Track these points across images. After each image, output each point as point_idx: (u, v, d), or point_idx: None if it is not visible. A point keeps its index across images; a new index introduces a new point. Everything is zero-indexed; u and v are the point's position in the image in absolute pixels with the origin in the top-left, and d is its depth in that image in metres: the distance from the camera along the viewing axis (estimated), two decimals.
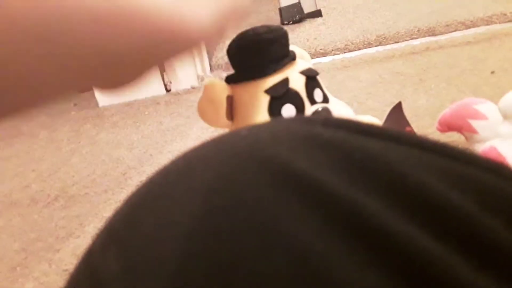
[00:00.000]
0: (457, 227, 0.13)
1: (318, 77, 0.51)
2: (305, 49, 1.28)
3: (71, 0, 0.13)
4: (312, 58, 1.26)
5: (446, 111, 0.67)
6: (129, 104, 1.19)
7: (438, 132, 0.74)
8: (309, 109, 0.48)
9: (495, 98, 0.87)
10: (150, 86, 1.22)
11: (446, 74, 1.01)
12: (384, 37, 1.25)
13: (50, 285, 0.64)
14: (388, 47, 1.22)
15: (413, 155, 0.15)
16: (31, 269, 0.67)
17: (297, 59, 0.50)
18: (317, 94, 0.49)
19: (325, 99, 0.50)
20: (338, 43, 1.26)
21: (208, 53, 1.35)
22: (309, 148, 0.14)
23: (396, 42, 1.24)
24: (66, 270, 0.66)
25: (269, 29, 0.46)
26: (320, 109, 0.46)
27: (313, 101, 0.49)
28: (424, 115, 0.86)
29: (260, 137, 0.15)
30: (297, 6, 1.46)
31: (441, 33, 1.23)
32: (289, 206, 0.13)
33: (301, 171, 0.13)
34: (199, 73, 1.28)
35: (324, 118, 0.17)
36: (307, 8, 1.48)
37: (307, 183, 0.13)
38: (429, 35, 1.23)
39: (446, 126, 0.67)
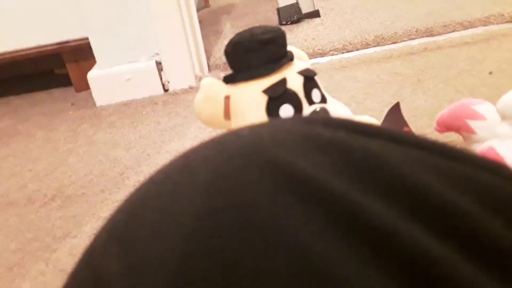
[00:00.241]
0: (457, 227, 0.13)
1: (316, 77, 0.51)
2: (303, 49, 1.29)
3: None
4: (310, 58, 1.26)
5: (444, 112, 0.67)
6: (126, 104, 1.19)
7: (436, 133, 0.74)
8: (307, 109, 0.48)
9: (493, 98, 0.87)
10: (148, 86, 1.22)
11: (444, 74, 1.02)
12: (382, 38, 1.25)
13: (47, 285, 0.64)
14: (386, 47, 1.22)
15: (413, 155, 0.15)
16: (28, 269, 0.67)
17: (295, 60, 0.50)
18: (315, 94, 0.49)
19: (323, 99, 0.50)
20: (336, 43, 1.26)
21: (206, 52, 1.35)
22: (309, 148, 0.14)
23: (394, 43, 1.24)
24: (63, 270, 0.66)
25: (266, 30, 0.46)
26: (318, 109, 0.46)
27: (311, 101, 0.49)
28: (422, 115, 0.86)
29: (260, 137, 0.15)
30: (295, 7, 1.46)
31: (439, 34, 1.23)
32: (290, 206, 0.13)
33: (302, 172, 0.13)
34: (197, 73, 1.28)
35: (324, 118, 0.17)
36: (305, 9, 1.48)
37: (307, 184, 0.13)
38: (427, 36, 1.23)
39: (444, 126, 0.67)
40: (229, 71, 0.49)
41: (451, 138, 0.72)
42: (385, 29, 1.28)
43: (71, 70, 1.35)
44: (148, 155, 0.92)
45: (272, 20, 1.50)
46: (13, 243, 0.74)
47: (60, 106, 1.27)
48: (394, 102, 0.95)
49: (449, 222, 0.13)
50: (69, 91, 1.35)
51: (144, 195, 0.15)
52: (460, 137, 0.68)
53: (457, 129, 0.66)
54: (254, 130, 0.16)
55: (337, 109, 0.50)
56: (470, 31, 1.21)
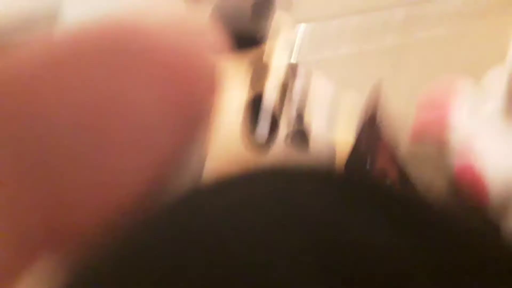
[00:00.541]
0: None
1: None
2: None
3: None
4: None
5: (418, 120, 0.63)
6: None
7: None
8: (283, 128, 0.42)
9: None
10: None
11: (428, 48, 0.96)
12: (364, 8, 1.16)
13: None
14: (368, 17, 1.14)
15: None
16: None
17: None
18: (293, 108, 0.43)
19: (301, 114, 0.45)
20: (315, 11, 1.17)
21: None
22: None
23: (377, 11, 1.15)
24: None
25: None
26: (296, 130, 0.41)
27: (288, 117, 0.43)
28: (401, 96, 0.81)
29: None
30: None
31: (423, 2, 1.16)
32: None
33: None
34: None
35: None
36: None
37: None
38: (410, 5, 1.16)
39: (419, 136, 0.64)
40: None
41: None
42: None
43: None
44: None
45: None
46: None
47: None
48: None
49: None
50: None
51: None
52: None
53: (431, 137, 0.63)
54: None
55: (315, 123, 0.44)
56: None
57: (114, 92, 0.09)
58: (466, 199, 0.54)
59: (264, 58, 0.43)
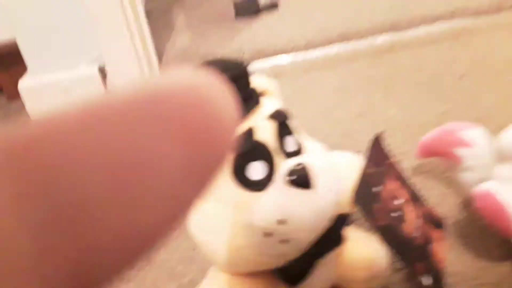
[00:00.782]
0: None
1: (290, 120, 0.42)
2: (262, 48, 1.16)
3: None
4: (270, 56, 1.15)
5: (427, 137, 0.60)
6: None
7: (414, 153, 0.68)
8: (282, 165, 0.38)
9: (467, 106, 0.82)
10: (85, 84, 1.08)
11: (414, 79, 0.95)
12: (347, 34, 1.17)
13: None
14: (351, 45, 1.14)
15: None
16: None
17: (262, 100, 0.41)
18: (290, 143, 0.40)
19: (299, 148, 0.41)
20: (298, 40, 1.17)
21: (156, 51, 1.21)
22: None
23: (360, 38, 1.16)
24: None
25: (224, 67, 0.36)
26: (296, 167, 0.37)
27: (285, 152, 0.39)
28: (396, 128, 0.79)
29: None
30: (253, 0, 1.35)
31: (404, 29, 1.17)
32: None
33: None
34: (145, 72, 1.15)
35: None
36: (264, 1, 1.37)
37: None
38: (392, 30, 1.17)
39: (427, 153, 0.61)
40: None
41: (430, 166, 0.66)
42: (349, 24, 1.20)
43: (0, 76, 1.17)
44: None
45: (228, 12, 1.38)
46: None
47: None
48: (366, 113, 0.89)
49: None
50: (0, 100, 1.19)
51: None
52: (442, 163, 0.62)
53: (441, 156, 0.59)
54: None
55: (317, 159, 0.41)
56: (436, 27, 1.16)
57: (145, 150, 0.10)
58: (486, 223, 0.50)
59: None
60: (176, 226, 0.10)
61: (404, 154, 0.71)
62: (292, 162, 0.38)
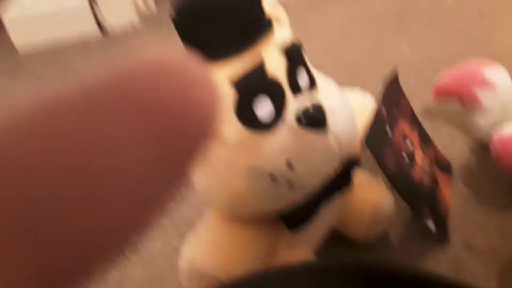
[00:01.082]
0: None
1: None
2: None
3: None
4: None
5: (445, 75, 0.56)
6: (55, 50, 0.98)
7: (426, 94, 0.64)
8: (292, 104, 0.35)
9: (486, 46, 0.77)
10: (79, 24, 1.01)
11: (429, 14, 0.89)
12: None
13: None
14: None
15: None
16: None
17: (274, 28, 0.36)
18: (302, 78, 0.36)
19: (312, 82, 0.37)
20: None
21: None
22: None
23: None
24: None
25: None
26: (310, 109, 0.33)
27: (296, 89, 0.35)
28: (408, 68, 0.74)
29: None
30: None
31: None
32: None
33: None
34: (140, 7, 1.07)
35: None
36: None
37: None
38: None
39: (444, 93, 0.57)
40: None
41: (443, 109, 0.62)
42: None
43: None
44: None
45: None
46: None
47: None
48: (375, 51, 0.83)
49: None
50: None
51: None
52: (457, 105, 0.58)
53: (458, 96, 0.56)
54: None
55: (329, 97, 0.37)
56: None
57: (99, 136, 0.09)
58: (500, 168, 0.48)
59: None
60: (149, 221, 0.10)
61: (416, 95, 0.67)
62: (304, 100, 0.34)
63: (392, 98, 0.49)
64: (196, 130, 0.10)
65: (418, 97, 0.67)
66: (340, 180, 0.40)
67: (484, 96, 0.52)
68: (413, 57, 0.78)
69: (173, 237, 0.55)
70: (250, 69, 0.32)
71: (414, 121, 0.55)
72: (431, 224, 0.48)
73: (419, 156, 0.53)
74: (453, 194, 0.54)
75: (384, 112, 0.47)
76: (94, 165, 0.09)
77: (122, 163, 0.09)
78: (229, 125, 0.34)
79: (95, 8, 1.03)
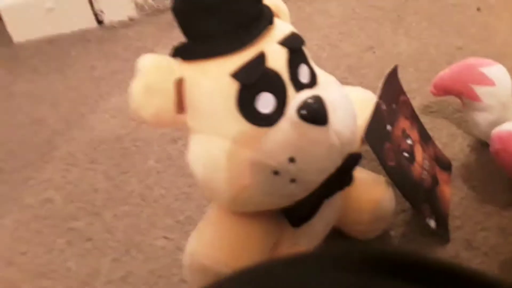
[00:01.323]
0: None
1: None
2: None
3: None
4: None
5: (444, 73, 0.55)
6: (51, 41, 0.97)
7: (425, 90, 0.64)
8: (294, 98, 0.34)
9: (483, 42, 0.77)
10: (77, 17, 0.99)
11: (427, 10, 0.88)
12: None
13: None
14: None
15: None
16: None
17: (275, 21, 0.35)
18: (303, 73, 0.35)
19: (313, 78, 0.37)
20: None
21: None
22: None
23: None
24: None
25: None
26: (310, 100, 0.33)
27: (298, 84, 0.35)
28: (406, 64, 0.74)
29: None
30: None
31: None
32: None
33: None
34: (138, 0, 1.06)
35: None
36: None
37: None
38: None
39: (443, 90, 0.56)
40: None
41: (443, 105, 0.62)
42: None
43: None
44: (82, 114, 0.75)
45: None
46: None
47: None
48: (375, 46, 0.83)
49: None
50: None
51: None
52: (456, 101, 0.58)
53: (457, 93, 0.55)
54: None
55: (331, 92, 0.36)
56: None
57: None
58: (499, 166, 0.48)
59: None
60: None
61: (415, 92, 0.67)
62: (306, 94, 0.34)
63: (392, 94, 0.49)
64: None
65: (417, 94, 0.67)
66: (341, 176, 0.40)
67: (483, 94, 0.52)
68: (410, 52, 0.77)
69: (176, 235, 0.55)
70: (251, 62, 0.32)
71: (414, 119, 0.55)
72: (431, 223, 0.48)
73: (419, 153, 0.52)
74: (453, 193, 0.54)
75: (384, 107, 0.46)
76: None
77: None
78: (232, 120, 0.33)
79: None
